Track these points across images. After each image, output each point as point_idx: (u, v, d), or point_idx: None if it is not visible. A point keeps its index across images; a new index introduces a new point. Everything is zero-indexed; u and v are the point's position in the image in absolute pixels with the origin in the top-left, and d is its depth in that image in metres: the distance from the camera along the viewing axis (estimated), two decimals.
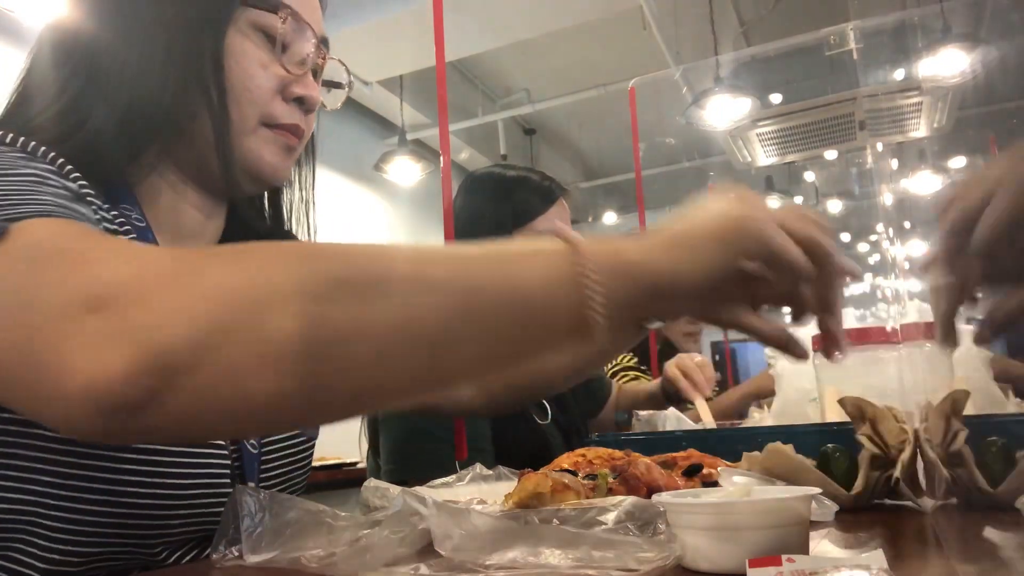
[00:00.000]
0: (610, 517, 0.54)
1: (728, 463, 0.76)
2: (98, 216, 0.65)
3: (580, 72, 5.03)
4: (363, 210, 5.37)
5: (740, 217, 0.52)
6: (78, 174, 0.65)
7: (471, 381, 0.80)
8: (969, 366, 1.13)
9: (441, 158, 1.51)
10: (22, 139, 0.64)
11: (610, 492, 0.64)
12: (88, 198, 0.65)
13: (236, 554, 0.53)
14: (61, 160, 0.64)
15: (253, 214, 0.90)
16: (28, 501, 0.62)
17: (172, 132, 0.74)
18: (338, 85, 0.89)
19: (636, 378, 2.36)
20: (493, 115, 5.46)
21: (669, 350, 2.41)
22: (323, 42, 0.84)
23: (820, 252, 0.55)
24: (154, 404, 0.43)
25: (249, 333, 0.43)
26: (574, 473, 0.67)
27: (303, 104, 0.79)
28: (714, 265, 0.51)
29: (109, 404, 0.42)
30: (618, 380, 2.36)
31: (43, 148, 0.64)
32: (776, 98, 4.32)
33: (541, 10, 3.85)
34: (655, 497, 0.57)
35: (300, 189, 0.93)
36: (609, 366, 2.53)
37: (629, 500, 0.55)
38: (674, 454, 0.79)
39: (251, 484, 0.71)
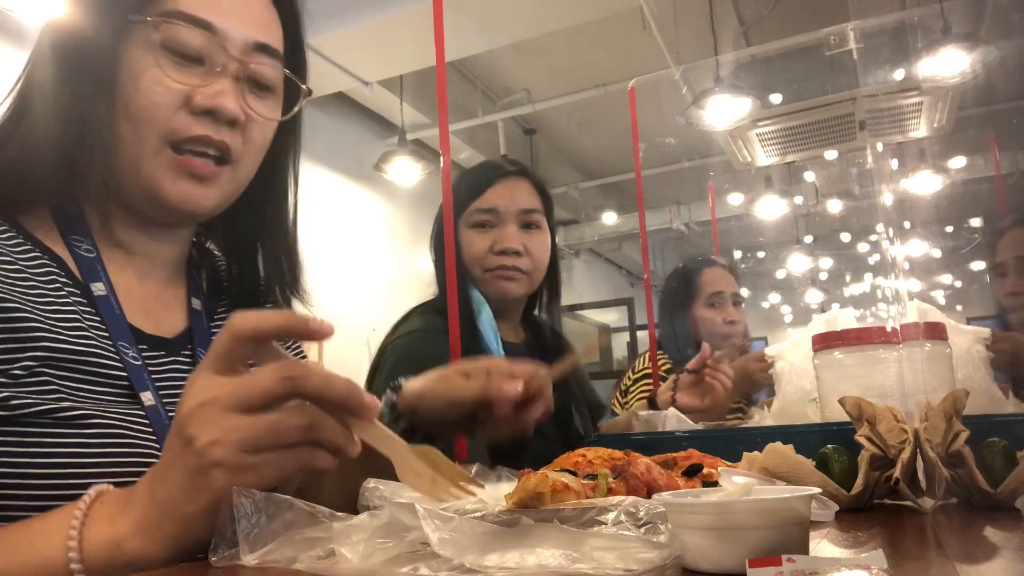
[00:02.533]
0: (610, 517, 0.54)
1: (728, 463, 0.76)
2: None
3: (580, 72, 5.03)
4: (363, 210, 5.37)
5: (202, 473, 0.56)
6: None
7: None
8: (969, 366, 1.13)
9: (441, 158, 1.51)
10: None
11: (610, 492, 0.64)
12: None
13: (233, 555, 0.53)
14: None
15: (229, 239, 0.89)
16: None
17: (78, 162, 0.73)
18: (265, 88, 0.81)
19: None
20: (493, 115, 5.46)
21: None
22: (262, 49, 0.79)
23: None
24: None
25: None
26: (574, 473, 0.67)
27: (214, 116, 0.75)
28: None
29: None
30: (639, 385, 2.34)
31: None
32: (776, 98, 4.32)
33: (541, 10, 3.85)
34: (655, 497, 0.57)
35: (275, 229, 0.89)
36: (630, 374, 2.48)
37: (629, 500, 0.55)
38: (674, 454, 0.79)
39: None
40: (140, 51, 0.74)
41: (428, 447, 0.64)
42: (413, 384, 0.96)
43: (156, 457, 0.69)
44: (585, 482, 0.65)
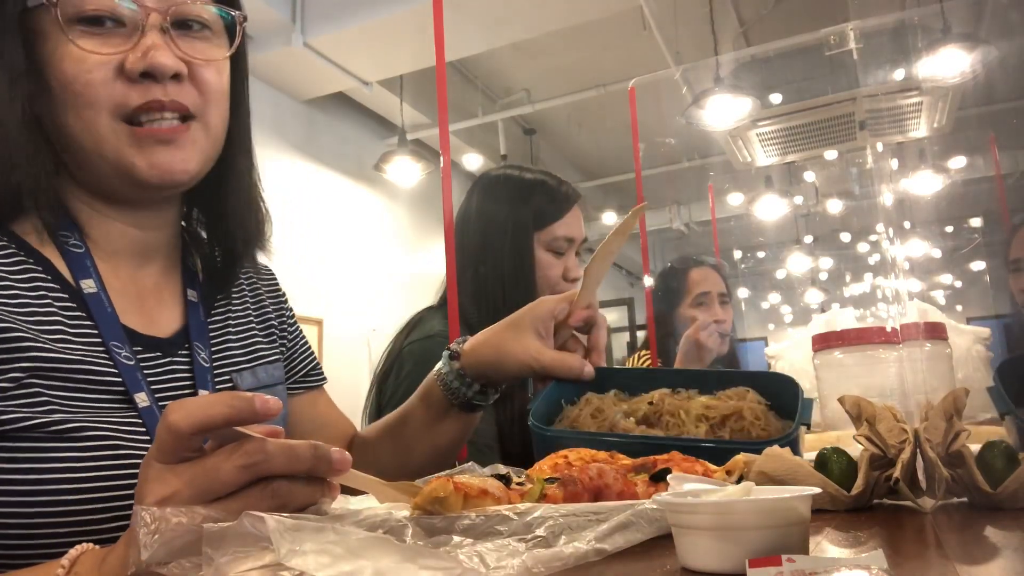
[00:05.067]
0: (510, 527, 0.52)
1: (715, 467, 0.75)
2: None
3: (580, 72, 5.03)
4: (363, 210, 5.37)
5: None
6: None
7: None
8: (969, 366, 1.13)
9: (441, 158, 1.51)
10: None
11: (545, 498, 0.61)
12: None
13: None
14: None
15: (215, 217, 0.86)
16: None
17: (31, 167, 0.71)
18: (201, 26, 0.76)
19: None
20: (493, 115, 5.46)
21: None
22: None
23: None
24: None
25: None
26: (506, 479, 0.64)
27: (153, 77, 0.71)
28: None
29: None
30: None
31: None
32: (776, 98, 4.32)
33: (541, 10, 3.85)
34: (655, 497, 0.56)
35: (237, 175, 0.85)
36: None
37: (541, 509, 0.54)
38: (655, 457, 0.75)
39: None
40: (52, 35, 0.70)
41: (407, 483, 0.63)
42: (474, 346, 0.97)
43: None
44: (516, 488, 0.62)
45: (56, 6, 0.70)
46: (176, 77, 0.73)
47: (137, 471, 0.57)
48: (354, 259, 5.14)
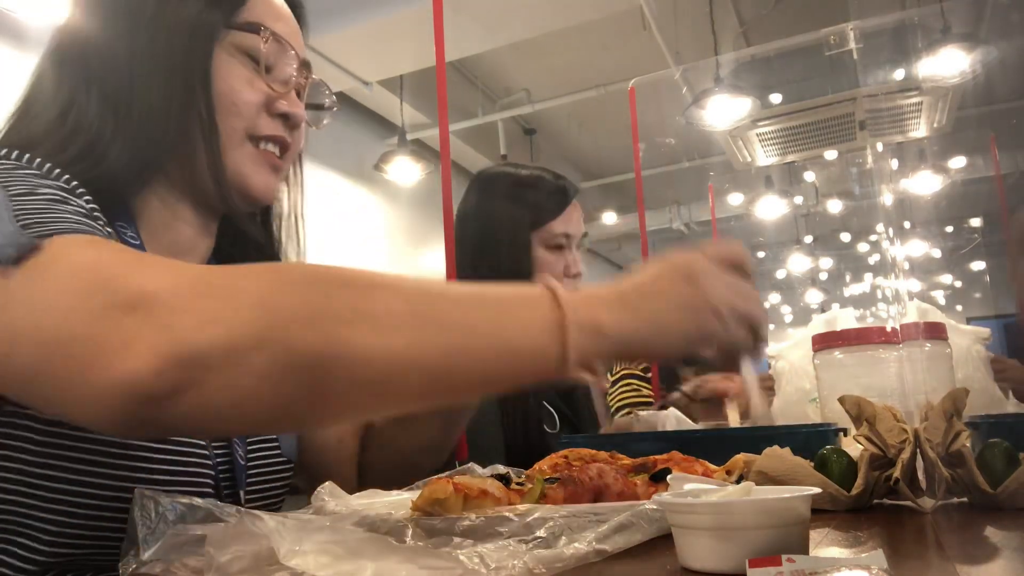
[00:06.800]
0: (510, 528, 0.52)
1: (715, 466, 0.75)
2: (107, 231, 0.67)
3: (580, 72, 5.03)
4: (363, 210, 5.37)
5: (699, 308, 0.61)
6: (84, 192, 0.68)
7: (455, 402, 0.85)
8: (969, 366, 1.13)
9: (441, 158, 1.51)
10: (33, 159, 0.68)
11: (545, 498, 0.61)
12: (95, 214, 0.68)
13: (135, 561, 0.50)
14: (68, 178, 0.67)
15: (254, 230, 0.92)
16: (16, 501, 0.63)
17: (168, 150, 0.78)
18: (321, 107, 0.94)
19: (637, 389, 2.34)
20: (493, 115, 5.46)
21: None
22: (305, 65, 0.89)
23: (758, 332, 0.65)
24: (178, 397, 0.47)
25: (277, 345, 0.49)
26: (505, 479, 0.64)
27: (288, 120, 0.84)
28: (674, 344, 0.61)
29: (136, 393, 0.46)
30: (619, 387, 2.35)
31: (50, 166, 0.68)
32: (776, 98, 4.32)
33: (541, 10, 3.85)
34: (655, 497, 0.56)
35: (289, 204, 0.95)
36: (615, 370, 2.50)
37: (542, 510, 0.54)
38: (655, 456, 0.76)
39: (241, 493, 0.77)
40: (228, 54, 0.80)
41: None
42: None
43: (204, 456, 0.72)
44: (515, 488, 0.62)
45: (245, 37, 0.80)
46: (295, 127, 0.86)
47: (160, 455, 0.62)
48: (354, 259, 5.14)
